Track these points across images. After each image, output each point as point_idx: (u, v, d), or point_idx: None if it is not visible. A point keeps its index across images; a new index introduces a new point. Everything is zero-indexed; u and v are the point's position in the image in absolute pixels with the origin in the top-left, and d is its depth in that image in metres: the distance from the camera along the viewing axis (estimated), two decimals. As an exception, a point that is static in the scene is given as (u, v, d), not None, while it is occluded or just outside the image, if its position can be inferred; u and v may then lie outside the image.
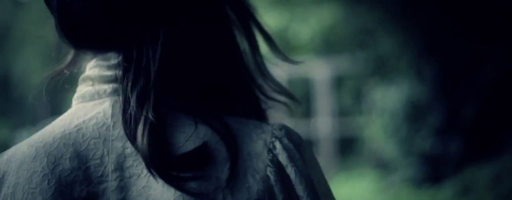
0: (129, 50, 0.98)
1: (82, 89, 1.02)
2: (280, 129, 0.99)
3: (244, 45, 1.06)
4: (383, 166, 9.38)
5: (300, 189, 0.96)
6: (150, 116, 0.94)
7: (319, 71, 11.83)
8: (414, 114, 8.36)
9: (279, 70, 1.15)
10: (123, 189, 0.95)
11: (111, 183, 0.96)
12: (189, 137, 0.95)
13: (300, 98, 13.39)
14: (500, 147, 7.25)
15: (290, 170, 0.96)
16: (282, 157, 0.97)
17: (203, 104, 0.99)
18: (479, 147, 7.64)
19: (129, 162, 0.96)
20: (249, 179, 0.94)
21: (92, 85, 1.01)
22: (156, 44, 0.96)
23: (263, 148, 0.96)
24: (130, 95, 0.96)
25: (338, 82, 12.00)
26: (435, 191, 7.68)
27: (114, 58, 1.00)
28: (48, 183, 0.95)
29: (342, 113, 12.14)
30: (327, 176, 1.01)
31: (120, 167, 0.96)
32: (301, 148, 0.99)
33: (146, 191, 0.94)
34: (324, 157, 11.70)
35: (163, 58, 0.96)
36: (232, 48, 1.04)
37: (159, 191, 0.94)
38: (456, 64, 7.89)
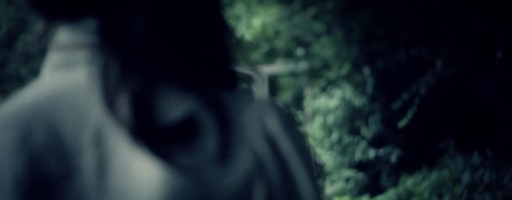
0: (111, 15, 0.89)
1: (53, 56, 0.92)
2: (269, 102, 0.91)
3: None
4: (321, 176, 9.41)
5: (295, 160, 0.89)
6: (134, 84, 0.84)
7: (256, 75, 11.75)
8: (353, 124, 8.39)
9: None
10: (101, 163, 0.85)
11: (88, 157, 0.85)
12: (175, 107, 0.86)
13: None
14: (438, 157, 7.35)
15: (284, 141, 0.89)
16: (275, 128, 0.89)
17: (189, 74, 0.90)
18: (417, 158, 7.72)
19: (107, 134, 0.85)
20: (240, 151, 0.86)
21: (65, 52, 0.91)
22: (141, 10, 0.88)
23: (254, 118, 0.89)
24: (112, 63, 0.86)
25: (276, 89, 11.95)
26: (374, 202, 7.72)
27: (89, 23, 0.90)
28: (18, 157, 0.85)
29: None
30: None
31: (97, 139, 0.85)
32: (292, 121, 0.92)
33: (128, 165, 0.84)
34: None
35: (149, 25, 0.88)
36: (215, 23, 0.96)
37: (142, 165, 0.83)
38: (395, 74, 7.95)
